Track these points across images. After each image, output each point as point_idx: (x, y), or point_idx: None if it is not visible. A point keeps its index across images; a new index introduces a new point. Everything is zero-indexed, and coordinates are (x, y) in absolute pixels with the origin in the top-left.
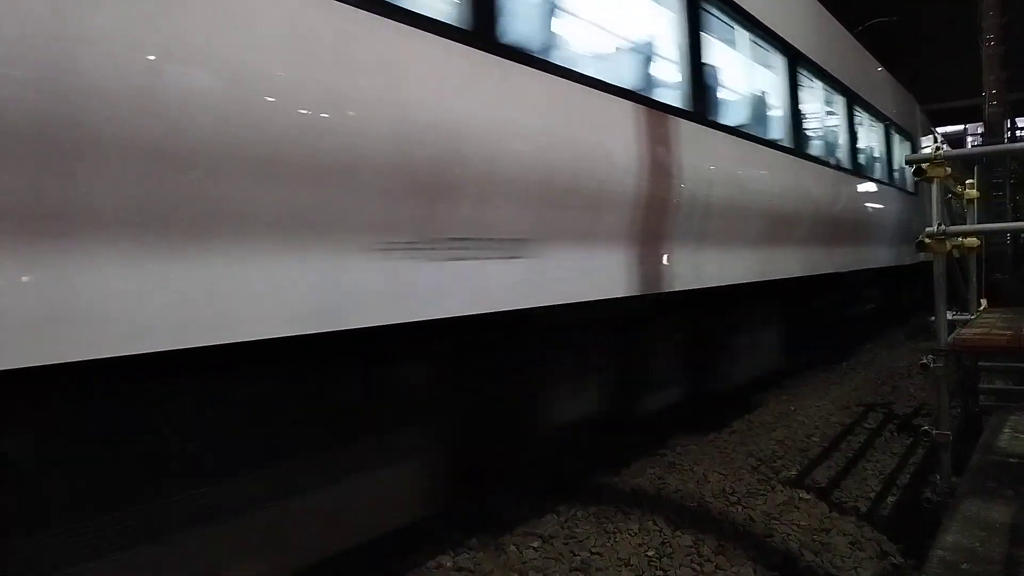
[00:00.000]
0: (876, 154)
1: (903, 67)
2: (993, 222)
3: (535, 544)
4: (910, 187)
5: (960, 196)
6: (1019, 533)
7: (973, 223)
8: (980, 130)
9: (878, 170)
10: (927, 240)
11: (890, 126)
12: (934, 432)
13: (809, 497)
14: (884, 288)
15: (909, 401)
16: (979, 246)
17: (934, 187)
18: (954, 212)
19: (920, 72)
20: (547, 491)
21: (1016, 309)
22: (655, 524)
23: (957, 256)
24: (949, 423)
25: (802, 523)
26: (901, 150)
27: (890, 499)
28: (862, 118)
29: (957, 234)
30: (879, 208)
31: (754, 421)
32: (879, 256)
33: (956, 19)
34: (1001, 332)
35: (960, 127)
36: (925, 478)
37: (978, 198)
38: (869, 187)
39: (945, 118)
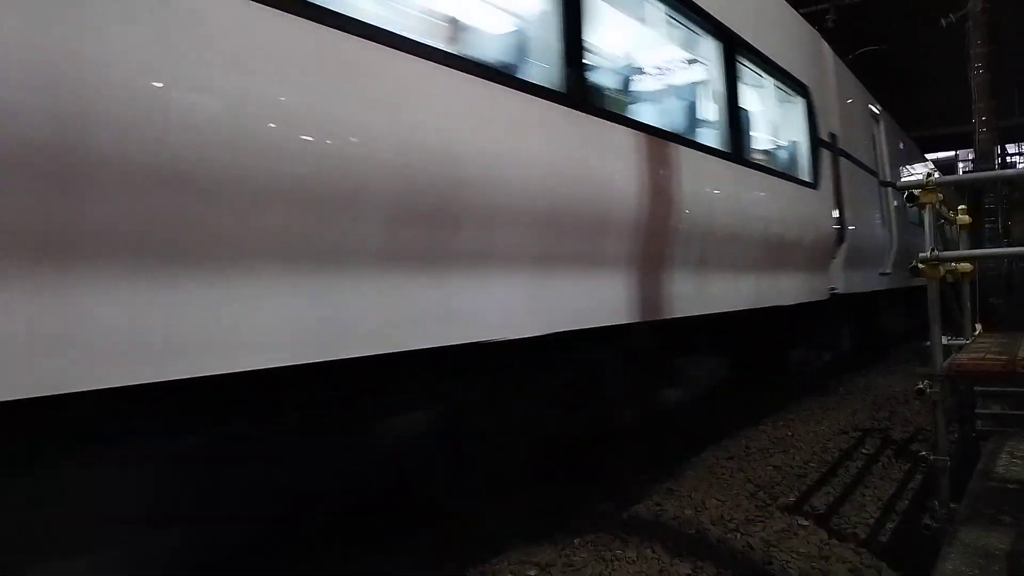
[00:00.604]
0: (711, 110)
1: (894, 95)
2: (985, 247)
3: (532, 573)
4: (807, 174)
5: (952, 222)
6: (1018, 560)
7: (966, 248)
8: (971, 156)
9: (722, 139)
10: (921, 266)
11: (747, 56)
12: (932, 457)
13: (808, 524)
14: (746, 348)
15: (906, 426)
16: (972, 271)
17: (927, 213)
18: (946, 237)
19: (911, 100)
20: (544, 518)
21: (1011, 334)
22: (653, 552)
23: (951, 281)
24: (947, 448)
25: (801, 550)
26: (785, 112)
27: (889, 525)
28: (671, 33)
29: (950, 259)
30: (732, 206)
31: (751, 447)
32: (737, 293)
33: (945, 48)
34: (996, 357)
35: (951, 153)
36: (924, 504)
37: (970, 223)
38: (704, 167)
39: (937, 144)
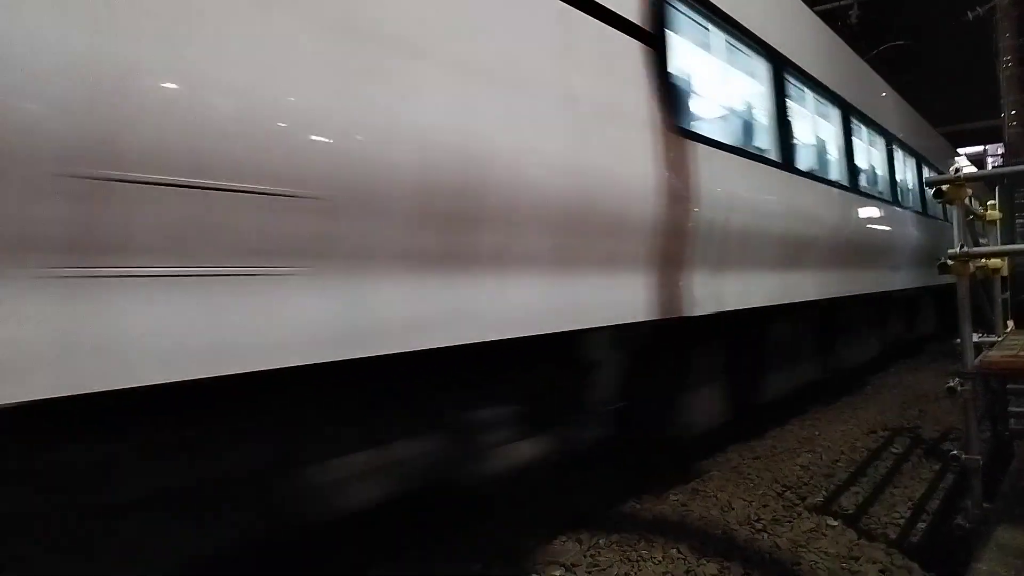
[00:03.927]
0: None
1: (921, 89)
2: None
3: (558, 573)
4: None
5: (982, 218)
6: None
7: (996, 244)
8: (1000, 151)
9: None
10: (950, 262)
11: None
12: (963, 457)
13: (836, 524)
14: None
15: (936, 425)
16: (1003, 267)
17: (955, 208)
18: (976, 233)
19: (938, 94)
20: (569, 519)
21: None
22: (679, 552)
23: (980, 278)
24: (979, 447)
25: (830, 550)
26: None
27: (920, 525)
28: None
29: (980, 256)
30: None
31: (777, 446)
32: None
33: (973, 41)
34: None
35: (980, 148)
36: (956, 504)
37: (1000, 219)
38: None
39: (965, 139)
